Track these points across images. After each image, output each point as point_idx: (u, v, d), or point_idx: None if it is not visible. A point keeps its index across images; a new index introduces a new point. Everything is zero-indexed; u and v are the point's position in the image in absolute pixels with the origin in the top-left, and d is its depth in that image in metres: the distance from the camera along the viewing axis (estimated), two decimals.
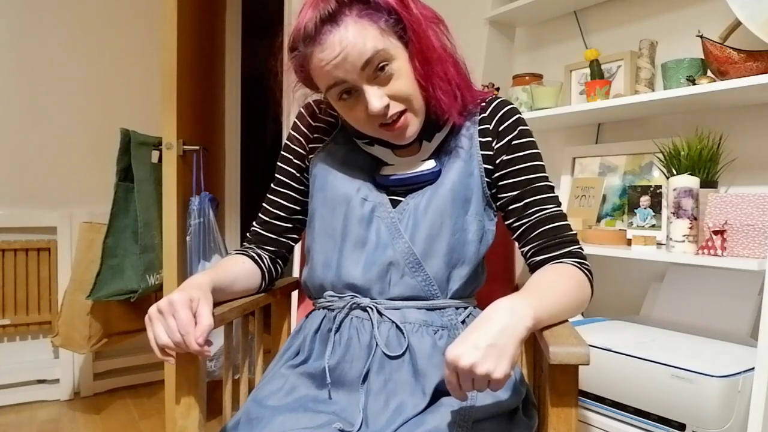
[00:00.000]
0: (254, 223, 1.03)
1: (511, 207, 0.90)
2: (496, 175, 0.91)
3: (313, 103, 1.00)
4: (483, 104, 0.94)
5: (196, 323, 0.75)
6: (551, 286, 0.79)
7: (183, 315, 0.74)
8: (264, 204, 1.03)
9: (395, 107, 0.82)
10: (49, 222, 2.43)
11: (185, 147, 1.98)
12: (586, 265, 0.86)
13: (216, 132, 2.61)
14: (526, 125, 0.93)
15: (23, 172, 2.45)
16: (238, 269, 0.95)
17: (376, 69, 0.79)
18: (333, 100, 0.85)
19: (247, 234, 1.04)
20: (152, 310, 0.76)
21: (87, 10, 2.56)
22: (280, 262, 1.04)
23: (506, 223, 0.93)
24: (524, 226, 0.89)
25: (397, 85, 0.81)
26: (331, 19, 0.78)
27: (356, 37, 0.77)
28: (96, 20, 2.58)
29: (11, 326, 2.35)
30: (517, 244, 0.92)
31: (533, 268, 0.89)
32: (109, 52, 2.62)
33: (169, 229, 1.90)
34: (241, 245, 1.04)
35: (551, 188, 0.90)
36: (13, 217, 2.39)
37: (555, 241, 0.87)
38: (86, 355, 2.44)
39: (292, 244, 1.04)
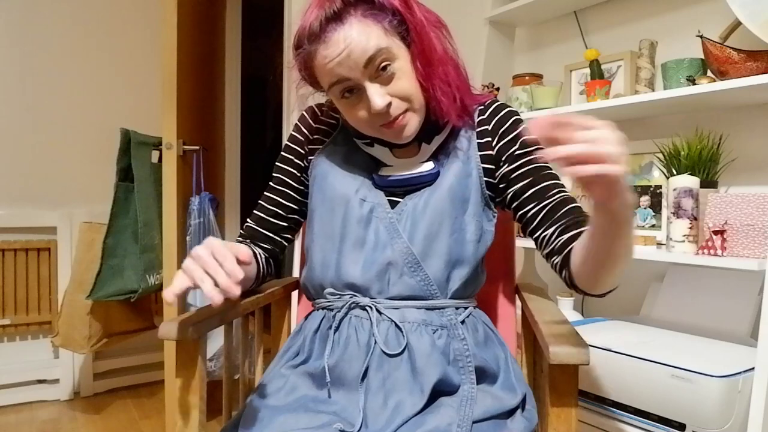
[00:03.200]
0: (248, 220, 1.02)
1: (528, 193, 0.88)
2: (506, 170, 0.91)
3: (314, 106, 1.01)
4: (481, 107, 0.95)
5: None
6: None
7: (218, 246, 0.69)
8: (260, 201, 1.02)
9: (397, 107, 0.83)
10: (49, 222, 2.43)
11: (185, 147, 1.98)
12: None
13: (216, 132, 2.61)
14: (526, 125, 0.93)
15: (23, 172, 2.45)
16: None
17: (378, 67, 0.80)
18: (335, 98, 0.86)
19: (241, 230, 1.03)
20: (187, 260, 0.69)
21: (87, 10, 2.56)
22: (272, 262, 1.04)
23: (524, 210, 0.89)
24: (548, 207, 0.86)
25: (399, 85, 0.82)
26: (336, 17, 0.79)
27: (360, 35, 0.78)
28: (96, 20, 2.58)
29: (11, 326, 2.35)
30: (537, 230, 0.87)
31: (566, 242, 0.82)
32: (109, 52, 2.62)
33: (169, 229, 1.91)
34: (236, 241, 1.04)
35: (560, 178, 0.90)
36: (13, 217, 2.39)
37: (585, 218, 0.83)
38: (86, 355, 2.44)
39: (286, 244, 1.03)
